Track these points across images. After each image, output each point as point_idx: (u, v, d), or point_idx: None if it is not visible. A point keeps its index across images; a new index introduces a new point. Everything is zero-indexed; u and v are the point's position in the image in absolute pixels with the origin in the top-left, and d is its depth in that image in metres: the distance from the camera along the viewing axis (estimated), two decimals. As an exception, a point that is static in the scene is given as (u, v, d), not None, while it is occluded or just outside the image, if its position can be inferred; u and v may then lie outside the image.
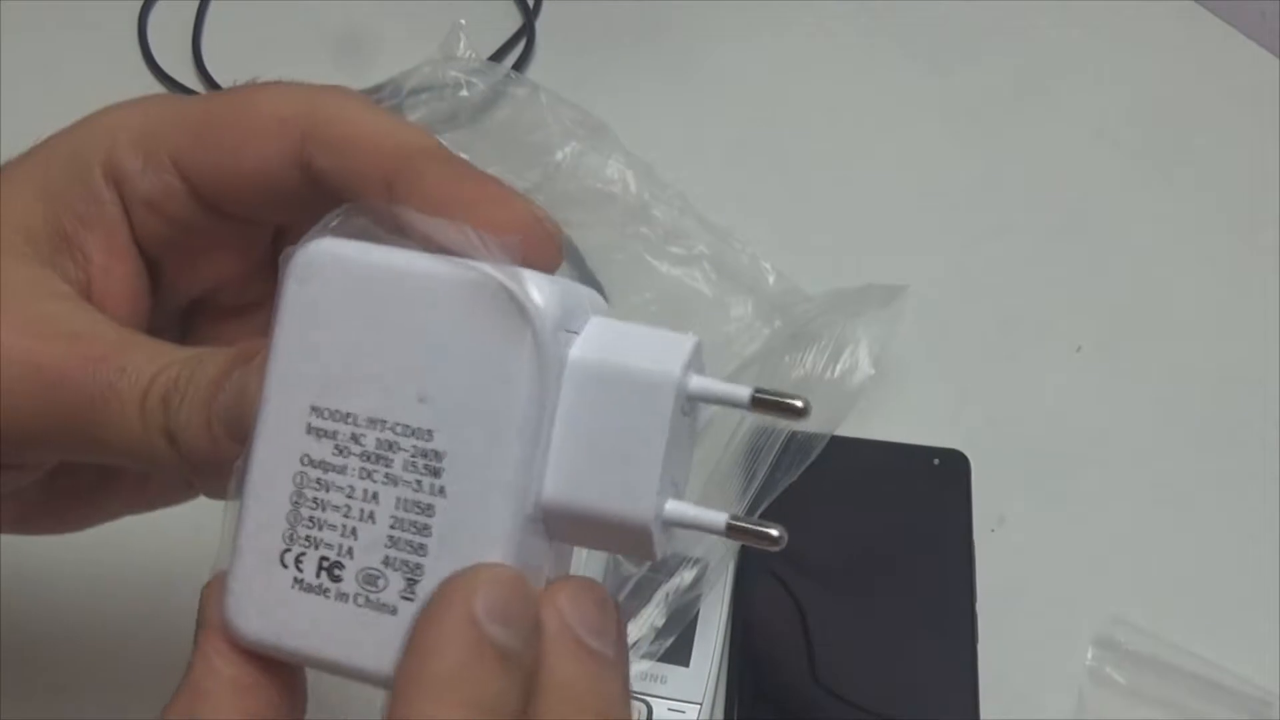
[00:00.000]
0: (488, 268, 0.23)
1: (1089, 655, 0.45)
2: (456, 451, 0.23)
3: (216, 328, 0.34)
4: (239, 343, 0.27)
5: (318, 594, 0.24)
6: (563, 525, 0.24)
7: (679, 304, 0.55)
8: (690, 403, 0.24)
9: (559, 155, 0.57)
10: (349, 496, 0.23)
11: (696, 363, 0.24)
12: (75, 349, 0.27)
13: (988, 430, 0.51)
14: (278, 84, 0.30)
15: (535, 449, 0.23)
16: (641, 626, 0.43)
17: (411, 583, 0.23)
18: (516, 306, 0.23)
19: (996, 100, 0.64)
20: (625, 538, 0.24)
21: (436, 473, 0.23)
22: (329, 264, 0.24)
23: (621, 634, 0.24)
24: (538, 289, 0.23)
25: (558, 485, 0.23)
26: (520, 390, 0.23)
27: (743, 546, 0.46)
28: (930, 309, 0.54)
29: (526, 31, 0.66)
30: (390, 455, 0.23)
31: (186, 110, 0.30)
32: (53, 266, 0.29)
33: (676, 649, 0.44)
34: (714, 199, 0.57)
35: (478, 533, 0.23)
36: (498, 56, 0.64)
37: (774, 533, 0.25)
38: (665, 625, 0.43)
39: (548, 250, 0.26)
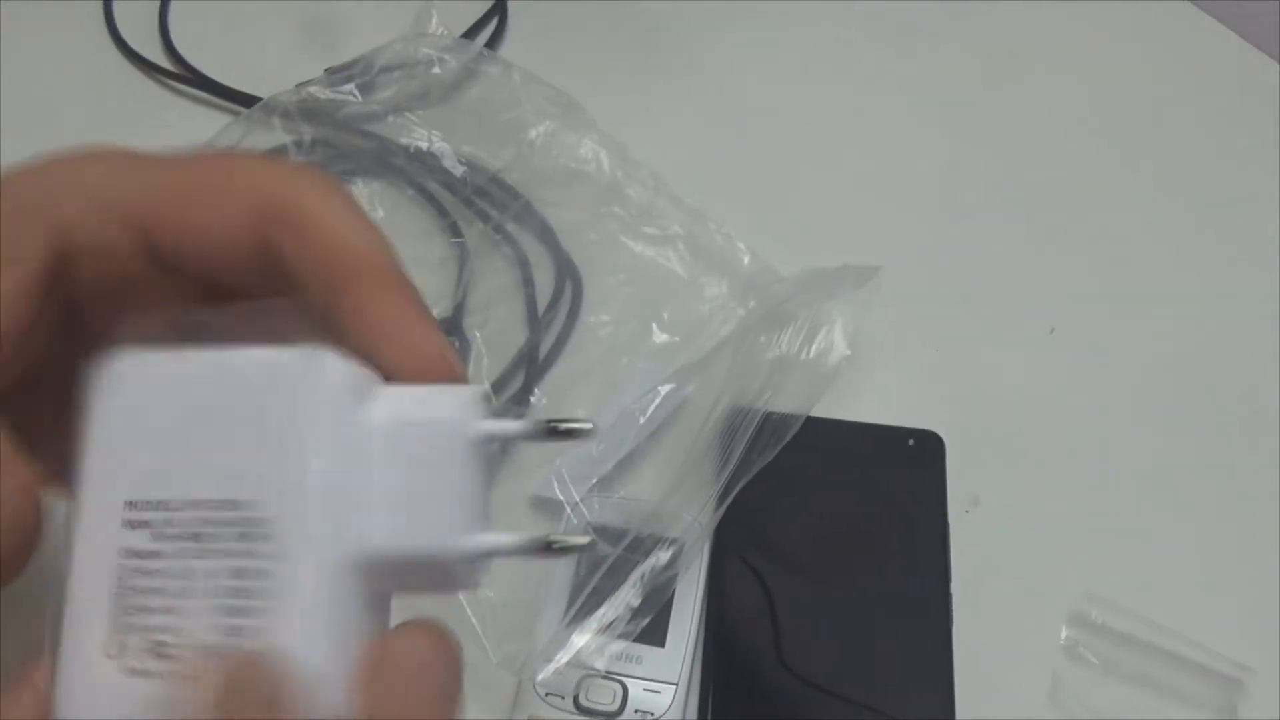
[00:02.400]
0: (280, 348, 0.25)
1: (1063, 634, 0.46)
2: (275, 518, 0.23)
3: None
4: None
5: (148, 677, 0.24)
6: (385, 574, 0.25)
7: (653, 284, 0.54)
8: (486, 443, 0.26)
9: (532, 134, 0.57)
10: (172, 577, 0.24)
11: (485, 408, 0.26)
12: None
13: (962, 411, 0.51)
14: (249, 160, 0.30)
15: (337, 509, 0.24)
16: (617, 606, 0.43)
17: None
18: (305, 377, 0.24)
19: (969, 85, 0.65)
20: (444, 575, 0.25)
21: (262, 538, 0.23)
22: (131, 370, 0.25)
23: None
24: (329, 359, 0.25)
25: (374, 538, 0.24)
26: (312, 455, 0.24)
27: (717, 527, 0.46)
28: (905, 290, 0.54)
29: (499, 9, 0.65)
30: (212, 531, 0.24)
31: (151, 176, 0.29)
32: None
33: (652, 629, 0.43)
34: (688, 179, 0.57)
35: (287, 599, 0.23)
36: (470, 34, 0.64)
37: (584, 541, 0.27)
38: (641, 605, 0.43)
39: None
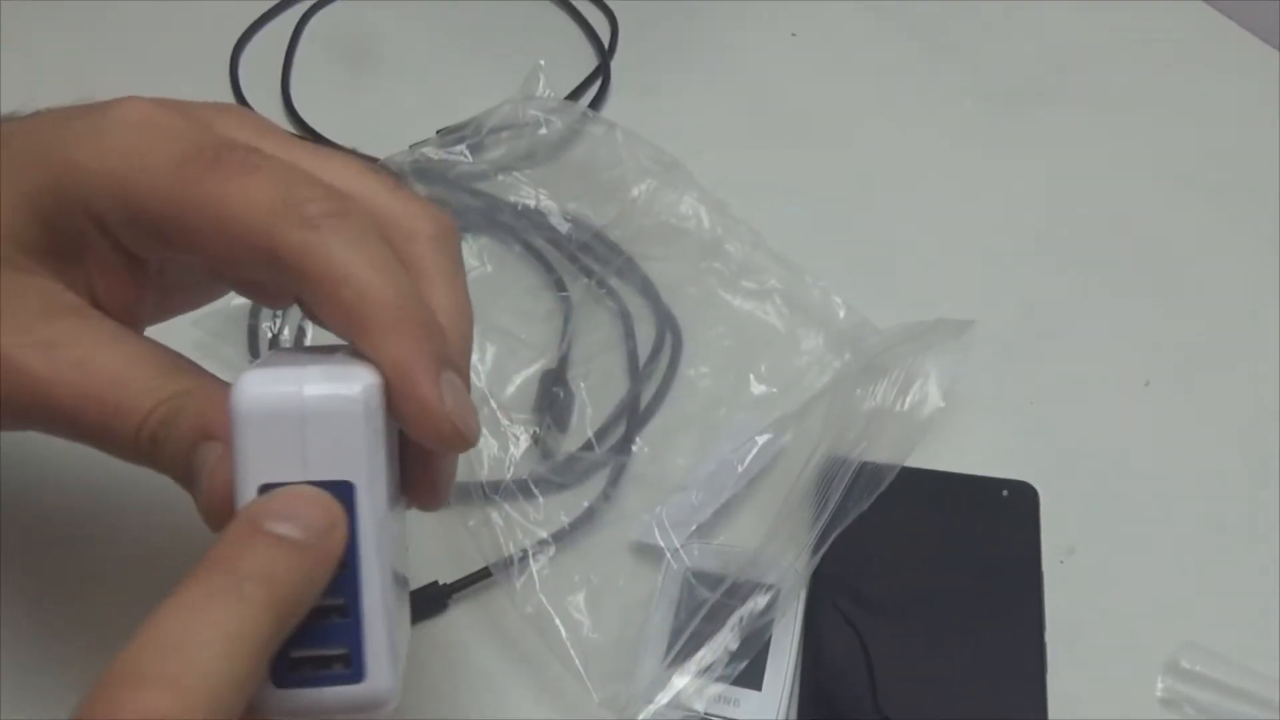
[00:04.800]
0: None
1: (1159, 684, 0.46)
2: None
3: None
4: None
5: None
6: None
7: (751, 336, 0.56)
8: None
9: (635, 191, 0.59)
10: None
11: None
12: (80, 386, 0.32)
13: (1057, 462, 0.52)
14: (260, 173, 0.32)
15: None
16: (716, 650, 0.44)
17: None
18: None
19: (1068, 139, 0.65)
20: None
21: None
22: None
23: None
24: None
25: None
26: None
27: (813, 574, 0.47)
28: (999, 342, 0.55)
29: (603, 71, 0.68)
30: None
31: (162, 178, 0.32)
32: (62, 277, 0.34)
33: (750, 673, 0.44)
34: (785, 234, 0.58)
35: None
36: (575, 95, 0.66)
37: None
38: (739, 649, 0.44)
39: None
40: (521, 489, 0.50)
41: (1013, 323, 0.57)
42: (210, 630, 0.26)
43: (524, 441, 0.52)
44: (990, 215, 0.62)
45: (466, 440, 0.32)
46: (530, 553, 0.48)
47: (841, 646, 0.46)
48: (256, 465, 0.29)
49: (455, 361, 0.32)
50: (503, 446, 0.51)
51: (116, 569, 0.48)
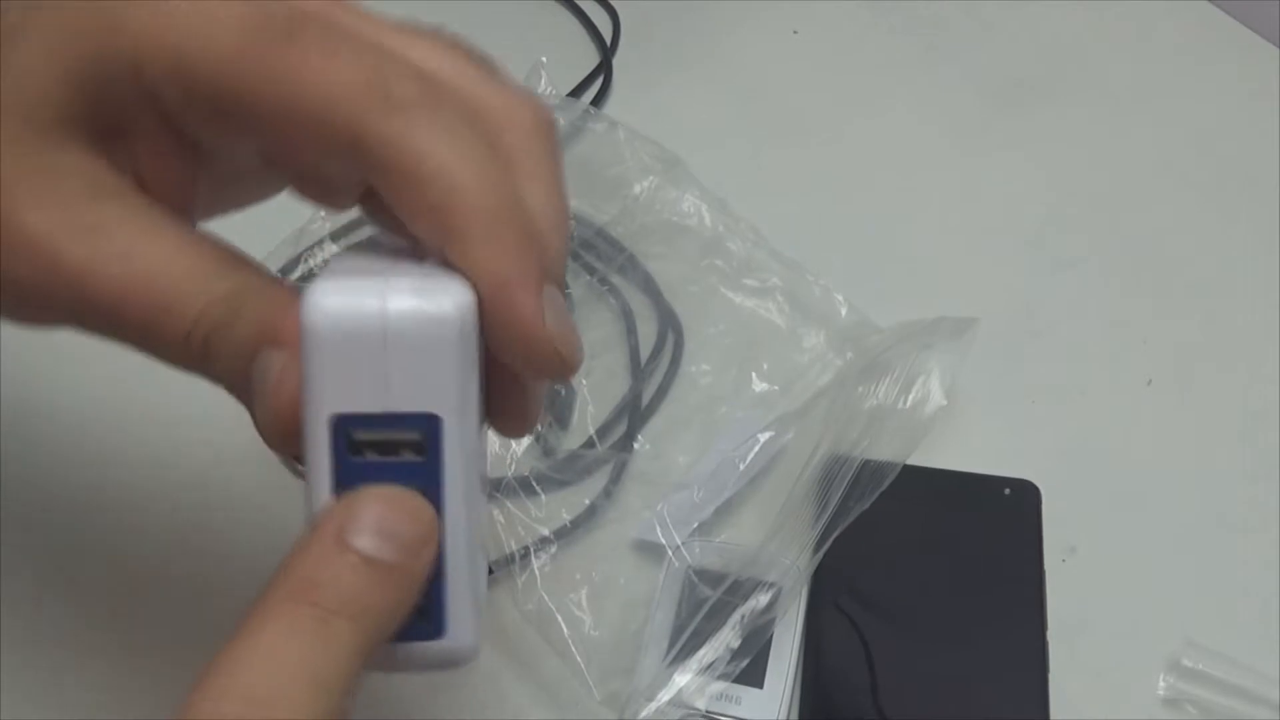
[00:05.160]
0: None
1: (1161, 683, 0.46)
2: None
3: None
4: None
5: None
6: None
7: (752, 334, 0.56)
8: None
9: (636, 189, 0.59)
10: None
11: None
12: (123, 278, 0.28)
13: (1058, 461, 0.52)
14: (342, 48, 0.27)
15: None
16: (717, 648, 0.44)
17: None
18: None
19: (1069, 137, 0.65)
20: None
21: None
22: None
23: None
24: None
25: None
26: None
27: (815, 572, 0.47)
28: (1001, 341, 0.55)
29: (604, 69, 0.67)
30: None
31: (227, 49, 0.27)
32: (106, 155, 0.30)
33: (751, 671, 0.44)
34: (787, 232, 0.58)
35: None
36: (577, 93, 0.66)
37: None
38: (740, 647, 0.44)
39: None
40: (523, 486, 0.50)
41: (1015, 321, 0.57)
42: (298, 682, 0.24)
43: (525, 439, 0.52)
44: (992, 213, 0.62)
45: (569, 366, 0.28)
46: (532, 550, 0.48)
47: (843, 645, 0.46)
48: (331, 391, 0.26)
49: (556, 274, 0.29)
50: (504, 443, 0.51)
51: (122, 564, 0.48)
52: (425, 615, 0.27)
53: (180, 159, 0.31)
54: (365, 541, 0.25)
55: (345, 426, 0.26)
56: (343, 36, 0.28)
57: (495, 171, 0.27)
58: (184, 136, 0.30)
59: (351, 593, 0.25)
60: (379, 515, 0.26)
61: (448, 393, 0.26)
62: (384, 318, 0.25)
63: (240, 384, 0.28)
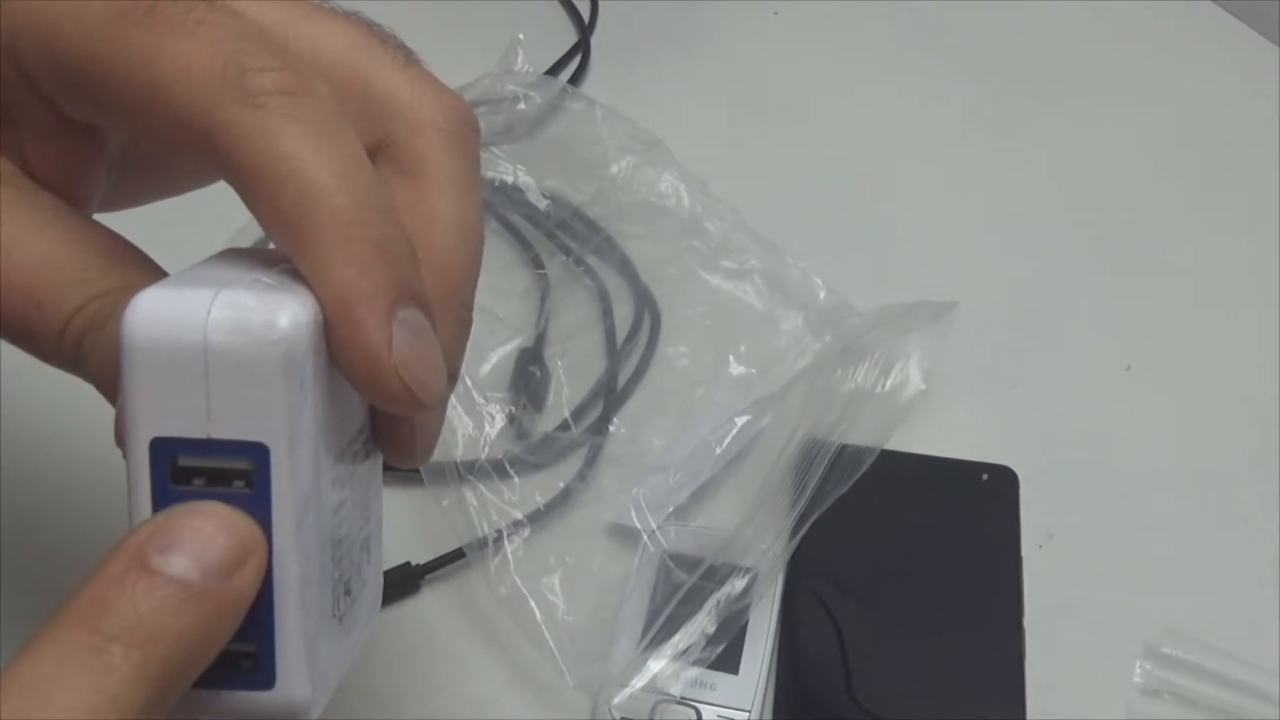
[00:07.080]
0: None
1: (1138, 669, 0.46)
2: None
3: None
4: None
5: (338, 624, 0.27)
6: None
7: (730, 317, 0.55)
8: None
9: (614, 169, 0.58)
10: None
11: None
12: (1, 271, 0.26)
13: (1037, 447, 0.52)
14: (201, 30, 0.25)
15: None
16: (692, 633, 0.44)
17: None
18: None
19: (1050, 122, 0.65)
20: None
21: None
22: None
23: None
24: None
25: None
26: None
27: (792, 557, 0.46)
28: (981, 325, 0.55)
29: (582, 47, 0.67)
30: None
31: (92, 29, 0.25)
32: None
33: (726, 657, 0.44)
34: (766, 214, 0.58)
35: None
36: (554, 71, 0.65)
37: None
38: (715, 633, 0.44)
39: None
40: (496, 469, 0.49)
41: (995, 306, 0.56)
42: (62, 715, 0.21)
43: (499, 420, 0.51)
44: (973, 198, 0.62)
45: (418, 401, 0.25)
46: (505, 533, 0.47)
47: (819, 630, 0.45)
48: (149, 412, 0.24)
49: (421, 296, 0.25)
50: (478, 425, 0.50)
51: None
52: (254, 661, 0.25)
53: (69, 146, 0.29)
54: (165, 560, 0.22)
55: (167, 451, 0.24)
56: (208, 15, 0.25)
57: (361, 178, 0.24)
58: (74, 123, 0.28)
59: (138, 618, 0.22)
60: (189, 531, 0.23)
61: (274, 420, 0.24)
62: (204, 334, 0.23)
63: (110, 389, 0.26)
